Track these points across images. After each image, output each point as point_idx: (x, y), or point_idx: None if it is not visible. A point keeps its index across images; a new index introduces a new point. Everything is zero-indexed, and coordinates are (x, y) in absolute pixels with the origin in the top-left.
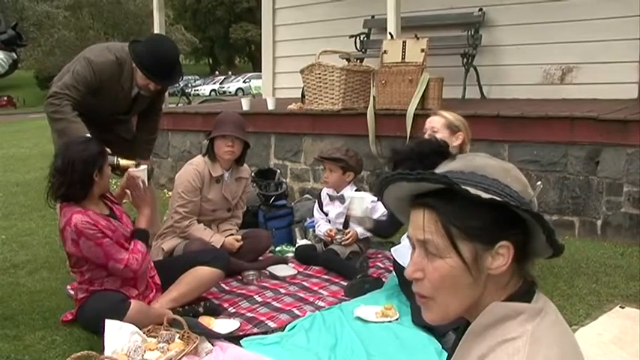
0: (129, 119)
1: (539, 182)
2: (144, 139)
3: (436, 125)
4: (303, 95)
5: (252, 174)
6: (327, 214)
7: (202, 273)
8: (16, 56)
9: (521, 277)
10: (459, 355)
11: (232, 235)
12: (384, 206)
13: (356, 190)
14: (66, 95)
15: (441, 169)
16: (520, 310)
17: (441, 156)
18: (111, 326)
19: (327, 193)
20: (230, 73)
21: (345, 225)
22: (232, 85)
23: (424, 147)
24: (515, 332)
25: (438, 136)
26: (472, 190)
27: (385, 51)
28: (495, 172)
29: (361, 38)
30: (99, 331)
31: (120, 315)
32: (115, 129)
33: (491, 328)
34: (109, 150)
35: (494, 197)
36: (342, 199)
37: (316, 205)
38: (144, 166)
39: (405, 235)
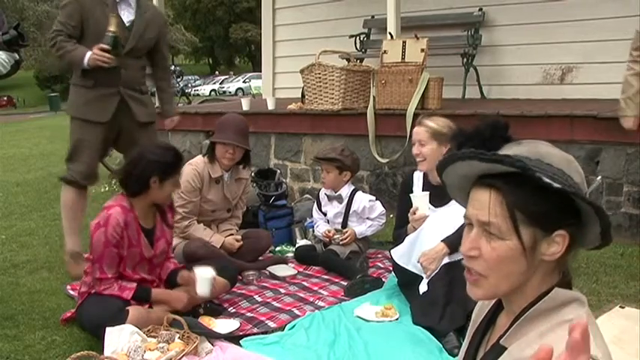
0: (136, 66)
1: (598, 177)
2: (161, 82)
3: (422, 138)
4: (303, 95)
5: (252, 174)
6: (325, 214)
7: None
8: (18, 57)
9: (562, 270)
10: (511, 337)
11: (232, 235)
12: (441, 179)
13: (354, 190)
14: (58, 32)
15: (505, 153)
16: (575, 297)
17: (503, 139)
18: (111, 331)
19: (325, 194)
20: (231, 73)
21: (344, 225)
22: (232, 85)
23: (486, 129)
24: (571, 315)
25: (426, 148)
26: (545, 179)
27: (385, 51)
28: (560, 161)
29: (361, 38)
30: (98, 336)
31: (118, 324)
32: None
33: (552, 312)
34: None
35: (564, 187)
36: (340, 199)
37: (315, 205)
38: (210, 271)
39: (407, 237)
